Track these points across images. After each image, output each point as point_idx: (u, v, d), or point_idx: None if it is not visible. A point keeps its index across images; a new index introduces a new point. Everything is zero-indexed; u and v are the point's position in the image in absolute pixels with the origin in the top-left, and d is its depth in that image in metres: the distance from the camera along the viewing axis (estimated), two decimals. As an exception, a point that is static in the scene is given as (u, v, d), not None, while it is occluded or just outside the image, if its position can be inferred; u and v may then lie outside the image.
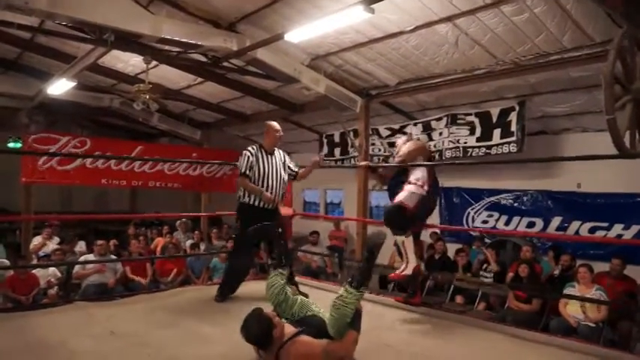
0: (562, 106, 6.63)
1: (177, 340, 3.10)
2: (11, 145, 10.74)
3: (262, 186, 4.07)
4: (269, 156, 4.20)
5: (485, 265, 6.69)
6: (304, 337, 2.52)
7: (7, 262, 6.72)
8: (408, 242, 3.85)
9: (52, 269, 6.57)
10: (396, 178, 4.29)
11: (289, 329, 2.59)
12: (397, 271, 3.92)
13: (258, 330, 2.49)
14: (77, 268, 6.52)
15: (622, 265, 5.50)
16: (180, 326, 3.41)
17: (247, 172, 4.09)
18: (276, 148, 4.30)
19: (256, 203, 4.08)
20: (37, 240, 7.99)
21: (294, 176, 4.43)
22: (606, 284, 5.24)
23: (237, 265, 4.30)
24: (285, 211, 5.10)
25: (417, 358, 2.86)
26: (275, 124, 4.32)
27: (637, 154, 3.28)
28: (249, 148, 4.18)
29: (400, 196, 3.84)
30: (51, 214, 10.51)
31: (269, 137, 4.28)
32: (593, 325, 4.80)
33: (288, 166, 4.36)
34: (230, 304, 3.96)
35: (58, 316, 3.61)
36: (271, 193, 4.10)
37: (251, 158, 4.10)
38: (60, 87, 7.45)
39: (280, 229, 3.42)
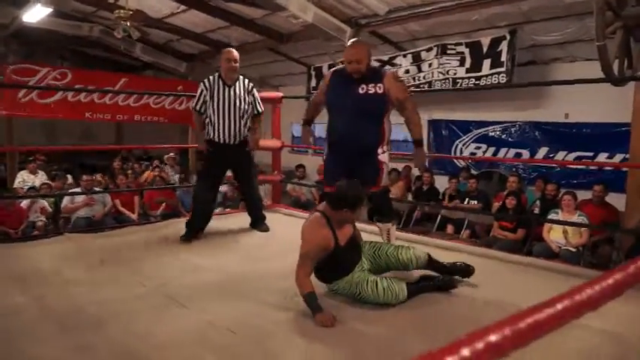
0: (553, 35, 6.51)
1: (169, 270, 3.13)
2: (-10, 76, 10.40)
3: (219, 121, 3.77)
4: (227, 87, 3.79)
5: (467, 199, 6.83)
6: None
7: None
8: (394, 229, 3.29)
9: (40, 202, 6.57)
10: None
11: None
12: None
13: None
14: (66, 202, 6.51)
15: (604, 191, 5.64)
16: (171, 256, 3.45)
17: (198, 107, 3.83)
18: (240, 79, 3.87)
19: (216, 138, 3.82)
20: (20, 176, 7.90)
21: (256, 115, 4.01)
22: (589, 211, 5.39)
23: (200, 200, 4.01)
24: (273, 143, 5.09)
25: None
26: (228, 50, 3.83)
27: (624, 79, 3.27)
28: (205, 80, 3.84)
29: (379, 177, 3.04)
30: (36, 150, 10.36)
31: (222, 65, 3.82)
32: (574, 250, 4.99)
33: (252, 103, 3.93)
34: (218, 237, 3.96)
35: (49, 247, 3.61)
36: (228, 128, 3.78)
37: (204, 92, 3.79)
38: (36, 13, 7.13)
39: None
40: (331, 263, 2.57)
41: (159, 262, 3.30)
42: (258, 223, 4.17)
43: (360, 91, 2.90)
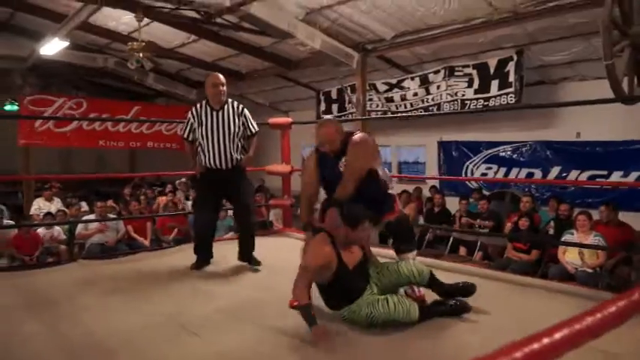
0: (560, 55, 6.54)
1: (181, 297, 3.15)
2: (8, 107, 10.65)
3: (208, 146, 3.67)
4: (215, 112, 3.68)
5: (478, 220, 6.79)
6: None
7: (11, 222, 6.80)
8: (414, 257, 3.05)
9: (56, 229, 6.66)
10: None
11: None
12: (417, 292, 2.91)
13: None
14: (80, 228, 6.61)
15: (607, 211, 5.57)
16: (183, 282, 3.47)
17: (186, 135, 3.75)
18: (229, 102, 3.74)
19: (207, 164, 3.73)
20: (37, 203, 8.03)
21: (250, 135, 3.86)
22: (604, 231, 5.31)
23: (196, 226, 4.00)
24: (282, 168, 5.13)
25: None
26: (213, 75, 3.68)
27: (635, 97, 3.26)
28: (193, 107, 3.77)
29: (395, 203, 3.01)
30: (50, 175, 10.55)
31: (208, 91, 3.69)
32: (591, 271, 4.90)
33: (245, 124, 3.78)
34: (231, 262, 3.94)
35: (62, 274, 3.67)
36: (219, 153, 3.67)
37: (191, 120, 3.72)
38: (52, 47, 7.36)
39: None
40: (339, 287, 2.58)
41: (170, 289, 3.32)
42: (248, 259, 3.86)
43: (341, 168, 2.89)
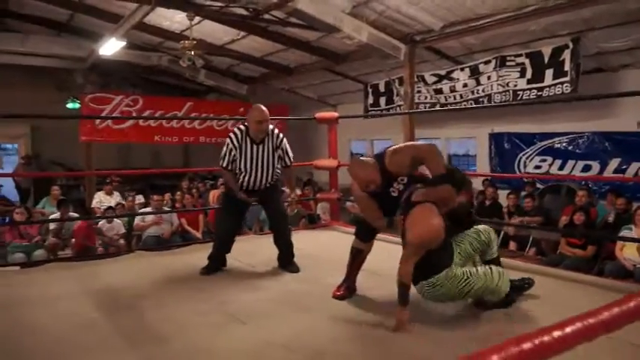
0: (619, 41, 6.21)
1: (230, 287, 3.28)
2: (70, 105, 11.28)
3: (247, 177, 3.64)
4: (255, 145, 3.61)
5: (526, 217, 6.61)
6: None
7: (75, 214, 7.20)
8: None
9: (117, 223, 7.01)
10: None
11: None
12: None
13: None
14: (137, 220, 6.95)
15: None
16: (232, 273, 3.61)
17: (228, 166, 3.65)
18: (269, 133, 3.65)
19: (243, 186, 3.70)
20: (97, 197, 8.46)
21: (286, 166, 3.83)
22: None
23: (218, 233, 3.94)
24: (330, 162, 5.18)
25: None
26: (256, 110, 3.55)
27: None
28: (233, 136, 3.62)
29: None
30: (110, 170, 11.08)
31: (251, 126, 3.58)
32: (650, 268, 4.70)
33: (281, 157, 3.74)
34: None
35: (121, 264, 3.90)
36: (254, 182, 3.67)
37: (233, 151, 3.60)
38: (110, 47, 7.70)
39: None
40: (436, 254, 2.51)
41: (219, 279, 3.47)
42: (287, 264, 3.80)
43: (394, 194, 2.85)
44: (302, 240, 4.35)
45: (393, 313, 2.52)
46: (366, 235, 3.08)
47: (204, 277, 3.52)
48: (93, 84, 9.90)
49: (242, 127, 3.64)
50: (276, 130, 3.73)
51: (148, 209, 7.10)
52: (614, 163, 6.98)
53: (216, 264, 3.71)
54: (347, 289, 3.02)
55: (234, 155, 3.61)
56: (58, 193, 7.91)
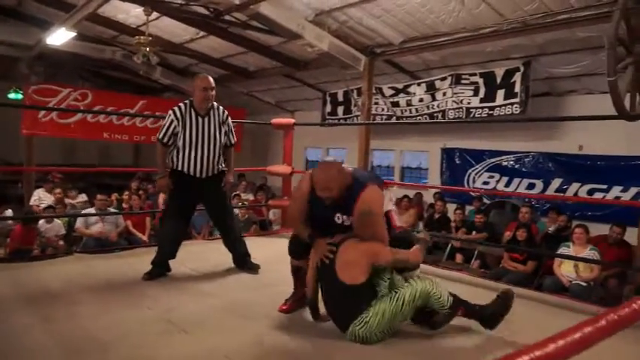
0: (568, 67, 6.53)
1: (175, 294, 3.15)
2: (12, 95, 10.69)
3: (191, 154, 3.40)
4: (200, 118, 3.40)
5: (473, 232, 6.81)
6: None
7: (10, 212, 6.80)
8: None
9: (57, 224, 6.65)
10: None
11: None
12: None
13: None
14: (79, 223, 6.56)
15: (622, 232, 5.56)
16: (177, 280, 3.48)
17: (166, 139, 3.39)
18: (215, 107, 3.48)
19: (185, 170, 3.44)
20: (37, 194, 8.04)
21: (229, 145, 3.66)
22: (603, 248, 5.31)
23: (163, 235, 3.66)
24: (283, 169, 5.14)
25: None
26: (203, 77, 3.43)
27: (636, 115, 3.26)
28: (176, 108, 3.39)
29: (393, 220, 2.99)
30: (52, 166, 10.55)
31: (196, 95, 3.41)
32: (585, 284, 4.91)
33: (227, 133, 3.58)
34: (226, 261, 3.88)
35: (59, 267, 3.68)
36: (200, 162, 3.43)
37: (174, 123, 3.36)
38: (60, 37, 7.34)
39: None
40: (357, 292, 2.47)
41: (164, 286, 3.32)
42: (244, 263, 3.73)
43: (337, 221, 2.65)
44: (252, 247, 4.25)
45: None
46: (297, 252, 2.84)
47: (147, 283, 3.37)
48: (38, 75, 9.40)
49: (186, 101, 3.46)
50: (221, 107, 3.56)
51: (92, 210, 6.78)
52: (556, 182, 7.31)
53: (160, 270, 3.50)
54: (293, 304, 2.88)
55: (176, 128, 3.36)
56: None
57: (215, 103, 3.51)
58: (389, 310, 2.39)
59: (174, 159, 3.46)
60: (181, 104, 3.43)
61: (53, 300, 2.95)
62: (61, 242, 6.61)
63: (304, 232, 2.71)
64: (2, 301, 2.88)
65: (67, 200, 7.76)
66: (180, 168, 3.45)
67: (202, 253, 4.18)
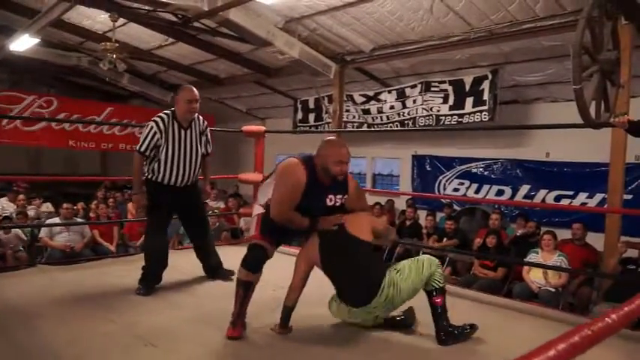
0: (534, 76, 6.69)
1: (142, 306, 3.07)
2: (-27, 103, 10.33)
3: (173, 167, 3.35)
4: (183, 131, 3.36)
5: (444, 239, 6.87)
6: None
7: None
8: None
9: (14, 232, 6.39)
10: None
11: None
12: None
13: None
14: (43, 233, 6.31)
15: (583, 230, 5.67)
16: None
17: (147, 152, 3.30)
18: (195, 118, 3.44)
19: (165, 181, 3.38)
20: (0, 204, 7.77)
21: (205, 154, 3.65)
22: (569, 251, 5.41)
23: (153, 249, 3.52)
24: (254, 177, 5.07)
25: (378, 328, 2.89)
26: (189, 90, 3.37)
27: (601, 123, 3.32)
28: (158, 119, 3.31)
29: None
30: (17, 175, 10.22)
31: (180, 107, 3.34)
32: (553, 290, 4.97)
33: (204, 143, 3.57)
34: (196, 271, 3.83)
35: (21, 280, 3.56)
36: (181, 173, 3.39)
37: (157, 135, 3.27)
38: (23, 43, 7.15)
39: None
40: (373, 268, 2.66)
41: (131, 298, 3.23)
42: (218, 272, 3.72)
43: (328, 203, 2.68)
44: (222, 255, 4.18)
45: (309, 337, 2.46)
46: (256, 265, 2.66)
47: (112, 295, 3.25)
48: (2, 81, 9.14)
49: (167, 111, 3.39)
50: (201, 117, 3.53)
51: (56, 219, 6.56)
52: (524, 188, 7.44)
53: (155, 282, 3.44)
54: (242, 327, 2.64)
55: (158, 140, 3.28)
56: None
57: (195, 115, 3.47)
58: (414, 270, 2.54)
59: (155, 171, 3.39)
60: (163, 115, 3.36)
61: (12, 314, 2.84)
62: (22, 253, 6.34)
63: (301, 220, 2.62)
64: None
65: (30, 208, 7.49)
66: (160, 180, 3.39)
67: (171, 263, 4.05)
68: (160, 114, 3.39)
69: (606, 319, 1.04)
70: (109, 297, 3.22)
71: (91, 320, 2.78)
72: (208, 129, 3.60)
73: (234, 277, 2.81)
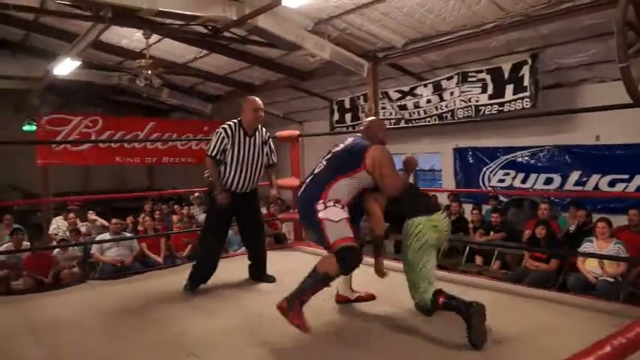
0: (577, 57, 6.37)
1: (186, 316, 3.10)
2: (27, 127, 10.83)
3: (236, 172, 3.58)
4: (248, 138, 3.60)
5: (491, 233, 6.65)
6: None
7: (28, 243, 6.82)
8: None
9: (70, 251, 6.66)
10: None
11: None
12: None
13: None
14: (95, 249, 6.55)
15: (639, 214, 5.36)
16: (190, 301, 3.44)
17: (217, 155, 3.54)
18: (259, 128, 3.71)
19: (228, 184, 3.61)
20: (55, 222, 8.11)
21: (271, 165, 3.88)
22: (626, 238, 5.12)
23: (207, 251, 3.70)
24: (291, 182, 5.06)
25: (418, 327, 2.80)
26: (253, 100, 3.64)
27: (652, 102, 3.11)
28: (226, 126, 3.59)
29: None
30: (69, 194, 10.67)
31: (246, 116, 3.61)
32: (612, 280, 4.72)
33: (268, 154, 3.79)
34: (240, 278, 3.89)
35: (71, 296, 3.67)
36: (244, 179, 3.61)
37: (225, 140, 3.53)
38: (66, 66, 7.47)
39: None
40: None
41: (176, 308, 3.28)
42: (262, 276, 3.88)
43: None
44: (267, 260, 4.17)
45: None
46: (354, 266, 2.67)
47: (160, 306, 3.31)
48: (50, 105, 9.57)
49: (234, 120, 3.64)
50: (264, 128, 3.77)
51: (106, 235, 6.78)
52: (574, 175, 7.10)
53: (202, 282, 3.64)
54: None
55: (226, 145, 3.53)
56: (10, 221, 7.49)
57: (259, 125, 3.72)
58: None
59: (220, 174, 3.60)
60: (230, 123, 3.62)
61: (62, 330, 2.92)
62: (76, 268, 6.60)
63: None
64: (12, 334, 2.86)
65: (82, 224, 7.77)
66: (224, 183, 3.59)
67: (215, 273, 4.09)
68: (228, 122, 3.64)
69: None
70: (155, 309, 3.27)
71: (136, 333, 2.83)
72: (270, 139, 3.82)
73: (321, 272, 2.62)
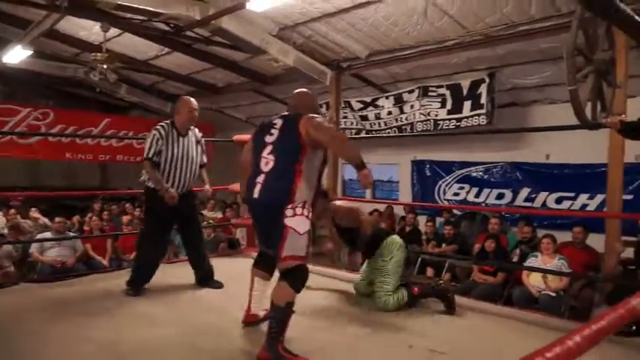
0: (531, 78, 6.61)
1: (124, 323, 2.94)
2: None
3: (171, 173, 3.53)
4: (181, 138, 3.58)
5: (443, 245, 6.78)
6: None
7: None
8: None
9: (5, 248, 6.25)
10: None
11: None
12: None
13: None
14: (34, 248, 6.14)
15: (584, 232, 5.56)
16: (128, 307, 3.26)
17: (154, 157, 3.49)
18: (191, 128, 3.69)
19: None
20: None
21: (201, 166, 3.83)
22: (570, 254, 5.30)
23: (145, 256, 3.62)
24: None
25: (372, 337, 2.81)
26: (189, 100, 3.63)
27: (596, 124, 3.25)
28: (159, 127, 3.53)
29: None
30: (15, 189, 10.14)
31: (181, 116, 3.59)
32: (554, 295, 4.87)
33: (200, 154, 3.76)
34: (180, 285, 3.75)
35: (1, 298, 3.40)
36: (179, 180, 3.57)
37: (160, 141, 3.49)
38: (16, 55, 7.12)
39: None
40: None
41: (114, 315, 3.09)
42: (208, 281, 3.79)
43: None
44: (220, 266, 4.06)
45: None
46: (304, 285, 2.53)
47: (94, 311, 3.11)
48: (-4, 94, 9.12)
49: (167, 121, 3.62)
50: (196, 128, 3.76)
51: (48, 234, 6.39)
52: (524, 191, 7.34)
53: (142, 284, 3.58)
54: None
55: (161, 146, 3.50)
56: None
57: (193, 124, 3.71)
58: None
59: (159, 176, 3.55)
60: (163, 124, 3.57)
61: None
62: (11, 268, 6.18)
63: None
64: None
65: (23, 221, 7.39)
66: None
67: (161, 276, 3.96)
68: (161, 123, 3.60)
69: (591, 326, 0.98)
70: (92, 314, 3.07)
71: (70, 341, 2.63)
72: (203, 139, 3.79)
73: (282, 304, 2.43)
